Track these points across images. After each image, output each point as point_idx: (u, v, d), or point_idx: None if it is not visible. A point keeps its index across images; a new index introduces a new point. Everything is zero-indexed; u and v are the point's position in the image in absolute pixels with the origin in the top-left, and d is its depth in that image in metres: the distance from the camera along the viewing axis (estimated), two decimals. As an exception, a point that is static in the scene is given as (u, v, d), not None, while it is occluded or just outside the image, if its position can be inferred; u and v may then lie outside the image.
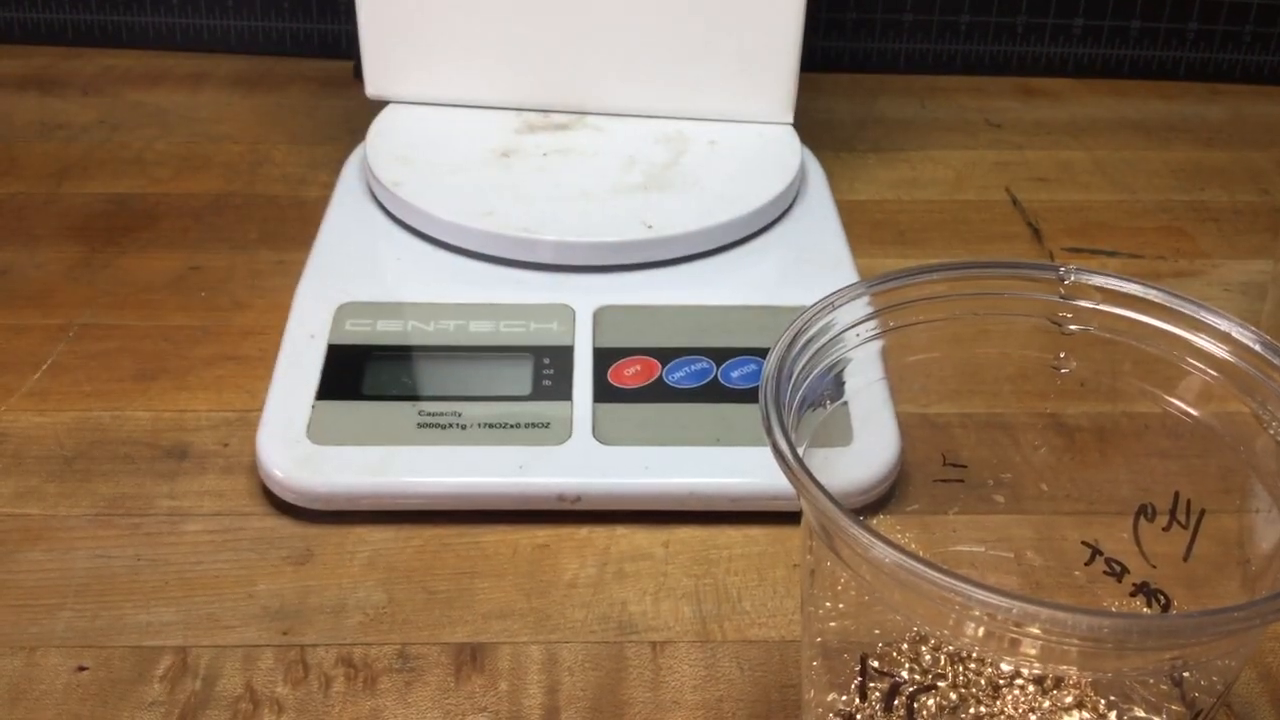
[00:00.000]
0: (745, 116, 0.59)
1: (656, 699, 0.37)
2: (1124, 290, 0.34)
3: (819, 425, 0.33)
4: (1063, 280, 0.34)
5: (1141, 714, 0.34)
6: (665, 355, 0.47)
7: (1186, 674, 0.31)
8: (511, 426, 0.44)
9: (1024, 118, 0.73)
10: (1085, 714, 0.34)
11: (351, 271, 0.51)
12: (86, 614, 0.39)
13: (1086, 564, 0.36)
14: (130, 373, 0.50)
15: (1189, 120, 0.74)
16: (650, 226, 0.51)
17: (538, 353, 0.47)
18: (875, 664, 0.34)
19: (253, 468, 0.44)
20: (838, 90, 0.76)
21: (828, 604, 0.32)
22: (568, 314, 0.49)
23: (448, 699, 0.37)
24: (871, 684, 0.33)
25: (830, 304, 0.33)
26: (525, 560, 0.42)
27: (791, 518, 0.42)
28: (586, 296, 0.49)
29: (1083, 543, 0.36)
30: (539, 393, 0.46)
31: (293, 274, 0.51)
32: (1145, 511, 0.35)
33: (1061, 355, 0.35)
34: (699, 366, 0.47)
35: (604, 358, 0.47)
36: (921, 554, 0.25)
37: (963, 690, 0.34)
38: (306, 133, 0.68)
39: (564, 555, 0.42)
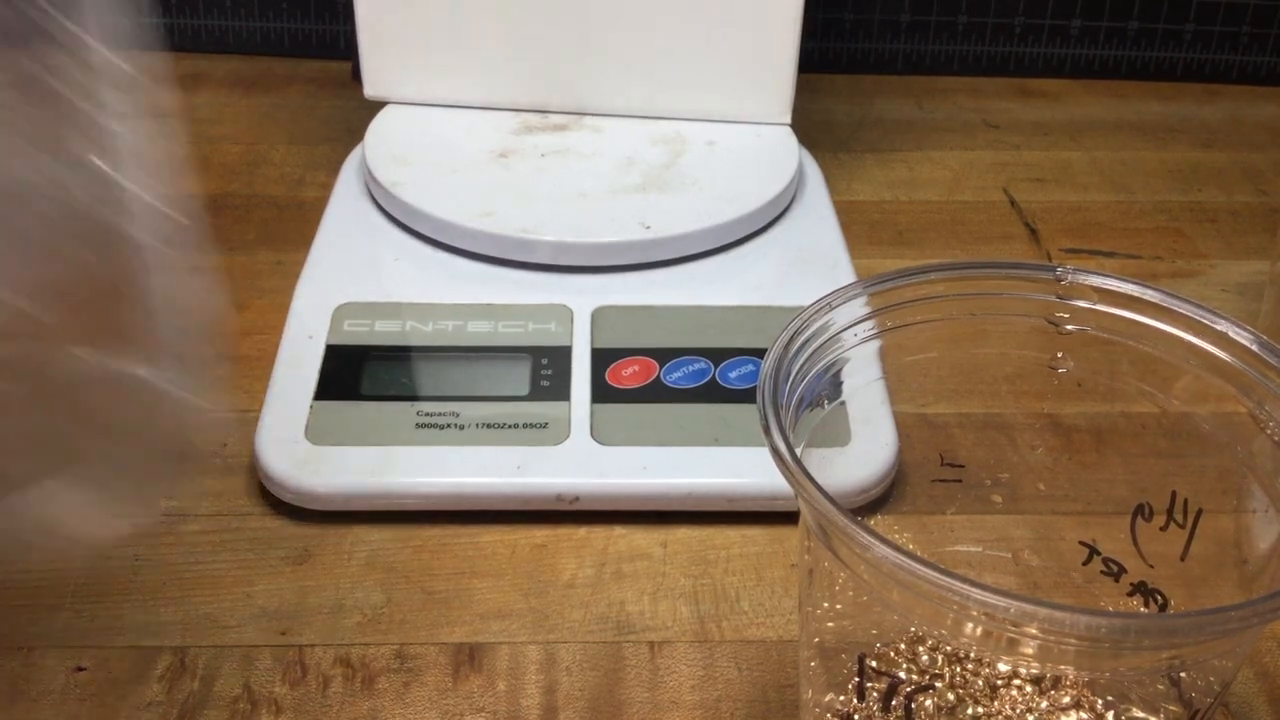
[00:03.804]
0: (743, 117, 0.59)
1: (654, 699, 0.37)
2: (1121, 290, 0.34)
3: (817, 425, 0.33)
4: (1060, 280, 0.34)
5: (1139, 714, 0.34)
6: (663, 355, 0.47)
7: (1184, 674, 0.31)
8: (510, 427, 0.44)
9: (1021, 118, 0.73)
10: (1083, 714, 0.34)
11: (350, 272, 0.51)
12: (85, 614, 0.39)
13: (1084, 564, 0.36)
14: (128, 373, 0.49)
15: (1186, 121, 0.74)
16: (648, 227, 0.51)
17: (536, 353, 0.47)
18: (873, 664, 0.34)
19: (251, 468, 0.44)
20: (835, 91, 0.76)
21: (825, 604, 0.33)
22: (566, 314, 0.49)
23: (445, 699, 0.37)
24: (869, 684, 0.33)
25: (828, 304, 0.33)
26: (523, 560, 0.42)
27: (789, 518, 0.43)
28: (584, 297, 0.50)
29: (1080, 543, 0.37)
30: (537, 393, 0.46)
31: (291, 274, 0.51)
32: (1142, 511, 0.35)
33: (1059, 355, 0.35)
34: (697, 367, 0.47)
35: (602, 358, 0.47)
36: (919, 554, 0.25)
37: (960, 691, 0.34)
38: (305, 133, 0.68)
39: (562, 555, 0.42)
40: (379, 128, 0.58)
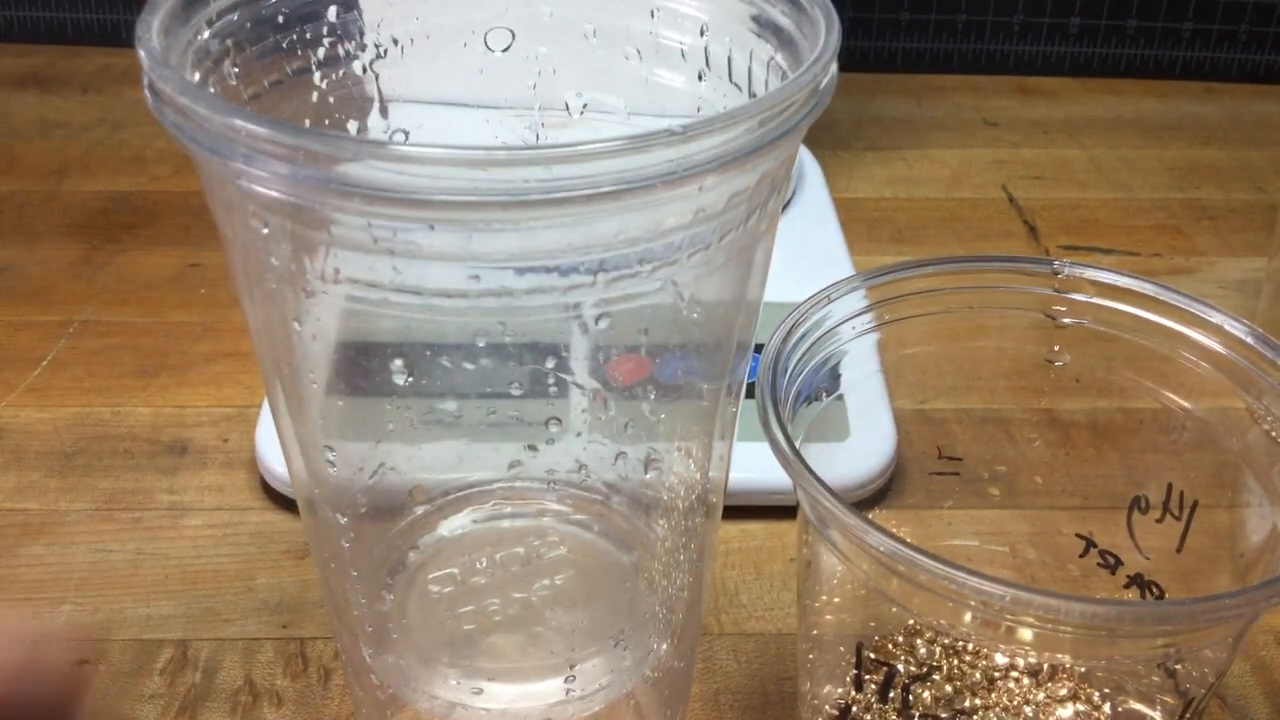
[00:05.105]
0: (743, 114, 0.59)
1: (654, 691, 0.37)
2: (1118, 284, 0.34)
3: (815, 419, 0.33)
4: (1057, 274, 0.34)
5: (1135, 705, 0.34)
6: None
7: (1179, 665, 0.31)
8: (509, 424, 0.44)
9: (1020, 116, 0.74)
10: (1079, 705, 0.34)
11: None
12: (87, 608, 0.40)
13: (1081, 556, 0.37)
14: (130, 369, 0.50)
15: (1185, 119, 0.74)
16: (648, 223, 0.51)
17: (535, 350, 0.47)
18: (871, 655, 0.34)
19: (252, 463, 0.44)
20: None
21: (824, 597, 0.33)
22: (565, 311, 0.49)
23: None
24: (867, 675, 0.33)
25: (826, 297, 0.33)
26: (523, 554, 0.42)
27: (788, 512, 0.43)
28: (584, 293, 0.50)
29: (1077, 535, 0.37)
30: (536, 390, 0.46)
31: (292, 271, 0.51)
32: (1139, 504, 0.35)
33: (1056, 349, 0.35)
34: (696, 362, 0.47)
35: (601, 355, 0.47)
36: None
37: (958, 682, 0.34)
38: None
39: (562, 549, 0.42)
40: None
